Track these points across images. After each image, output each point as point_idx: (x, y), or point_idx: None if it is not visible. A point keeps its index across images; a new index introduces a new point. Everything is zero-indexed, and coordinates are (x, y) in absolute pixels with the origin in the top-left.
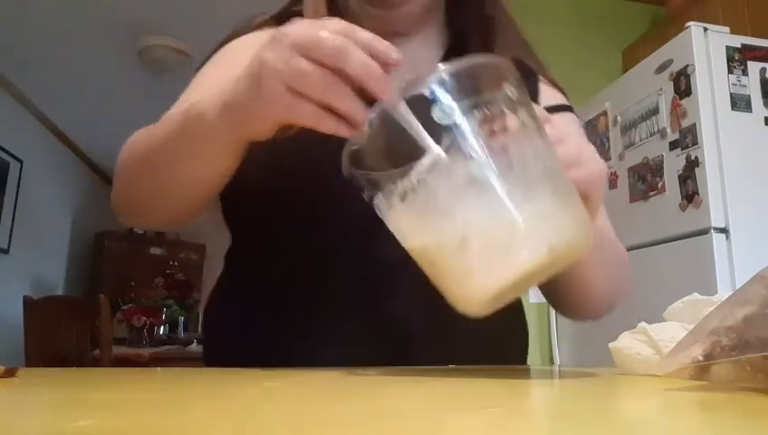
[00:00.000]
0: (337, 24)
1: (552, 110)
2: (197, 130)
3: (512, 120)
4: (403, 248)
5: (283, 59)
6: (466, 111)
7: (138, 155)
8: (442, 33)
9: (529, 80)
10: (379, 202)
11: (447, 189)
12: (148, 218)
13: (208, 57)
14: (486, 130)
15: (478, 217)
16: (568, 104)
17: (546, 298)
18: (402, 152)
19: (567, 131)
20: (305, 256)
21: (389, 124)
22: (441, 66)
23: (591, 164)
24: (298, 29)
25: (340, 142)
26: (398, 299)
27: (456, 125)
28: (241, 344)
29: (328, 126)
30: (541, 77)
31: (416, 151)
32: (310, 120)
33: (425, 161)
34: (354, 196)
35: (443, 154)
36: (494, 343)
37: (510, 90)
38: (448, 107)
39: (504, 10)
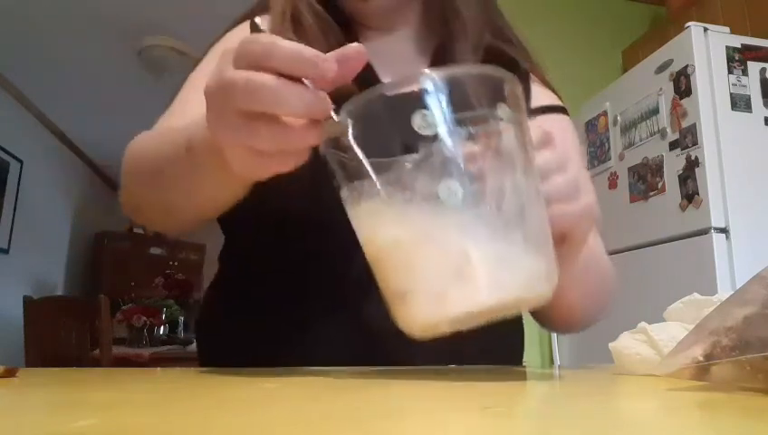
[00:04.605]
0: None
1: (546, 110)
2: (191, 167)
3: (498, 145)
4: None
5: (235, 123)
6: (450, 126)
7: (141, 171)
8: (428, 30)
9: (521, 80)
10: (345, 195)
11: (407, 202)
12: (160, 227)
13: (205, 53)
14: (467, 152)
15: (436, 242)
16: (561, 105)
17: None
18: (375, 150)
19: (567, 157)
20: (295, 255)
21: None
22: (429, 72)
23: (583, 199)
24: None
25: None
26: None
27: (435, 137)
28: (233, 344)
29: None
30: (534, 77)
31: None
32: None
33: (393, 172)
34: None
35: (407, 170)
36: (499, 342)
37: (503, 110)
38: (432, 116)
39: (496, 9)
